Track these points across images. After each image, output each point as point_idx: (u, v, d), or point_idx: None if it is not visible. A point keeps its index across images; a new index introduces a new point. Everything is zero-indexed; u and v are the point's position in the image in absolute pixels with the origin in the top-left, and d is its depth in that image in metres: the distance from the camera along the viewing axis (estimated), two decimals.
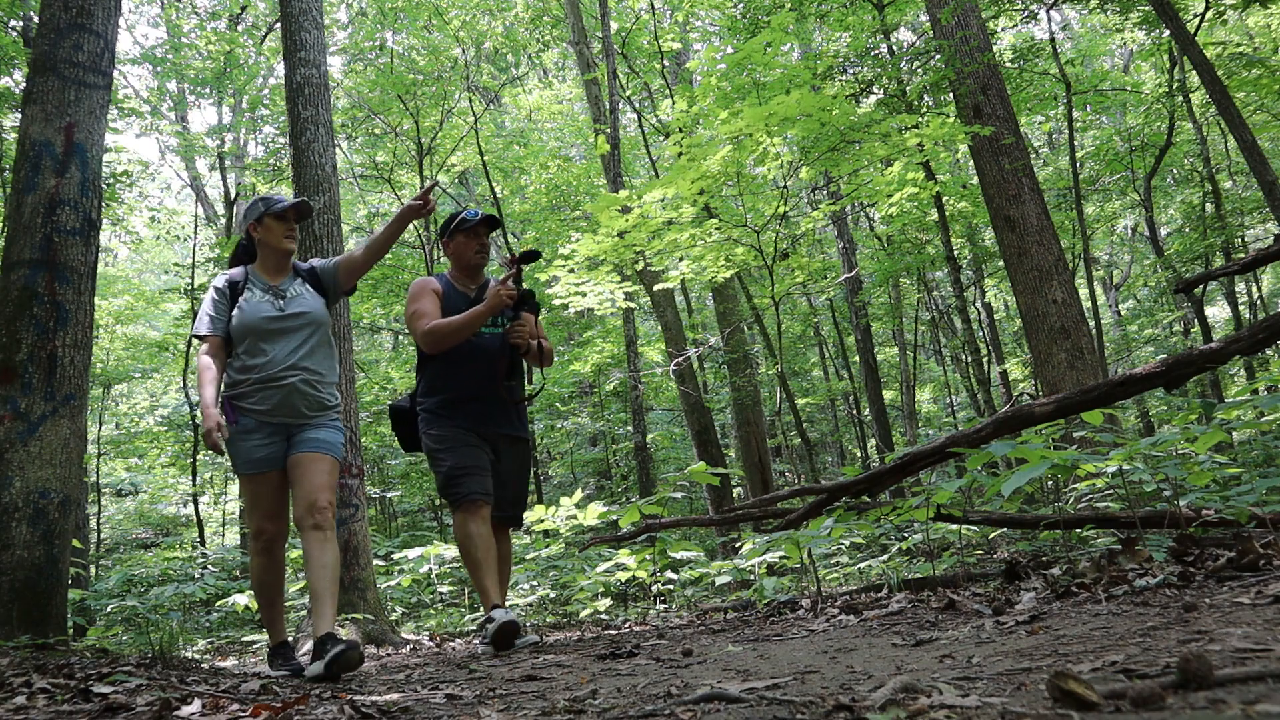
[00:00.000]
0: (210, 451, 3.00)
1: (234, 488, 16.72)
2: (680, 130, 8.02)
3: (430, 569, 6.92)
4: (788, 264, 8.25)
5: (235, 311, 3.37)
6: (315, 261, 3.63)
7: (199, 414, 4.54)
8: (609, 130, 9.65)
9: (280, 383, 3.33)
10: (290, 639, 3.71)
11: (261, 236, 3.46)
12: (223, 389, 3.39)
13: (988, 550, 5.88)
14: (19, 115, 4.07)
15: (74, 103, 3.69)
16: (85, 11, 3.81)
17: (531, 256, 3.89)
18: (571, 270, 8.26)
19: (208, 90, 14.24)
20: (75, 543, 3.76)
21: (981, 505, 5.76)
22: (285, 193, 15.25)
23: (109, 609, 8.27)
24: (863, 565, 5.49)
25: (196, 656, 5.08)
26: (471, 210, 3.99)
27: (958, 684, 1.29)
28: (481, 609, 3.75)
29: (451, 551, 6.94)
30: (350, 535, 5.08)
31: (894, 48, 11.07)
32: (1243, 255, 6.53)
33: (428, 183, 3.48)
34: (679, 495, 6.01)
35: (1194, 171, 13.38)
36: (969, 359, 12.71)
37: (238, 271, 3.48)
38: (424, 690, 2.21)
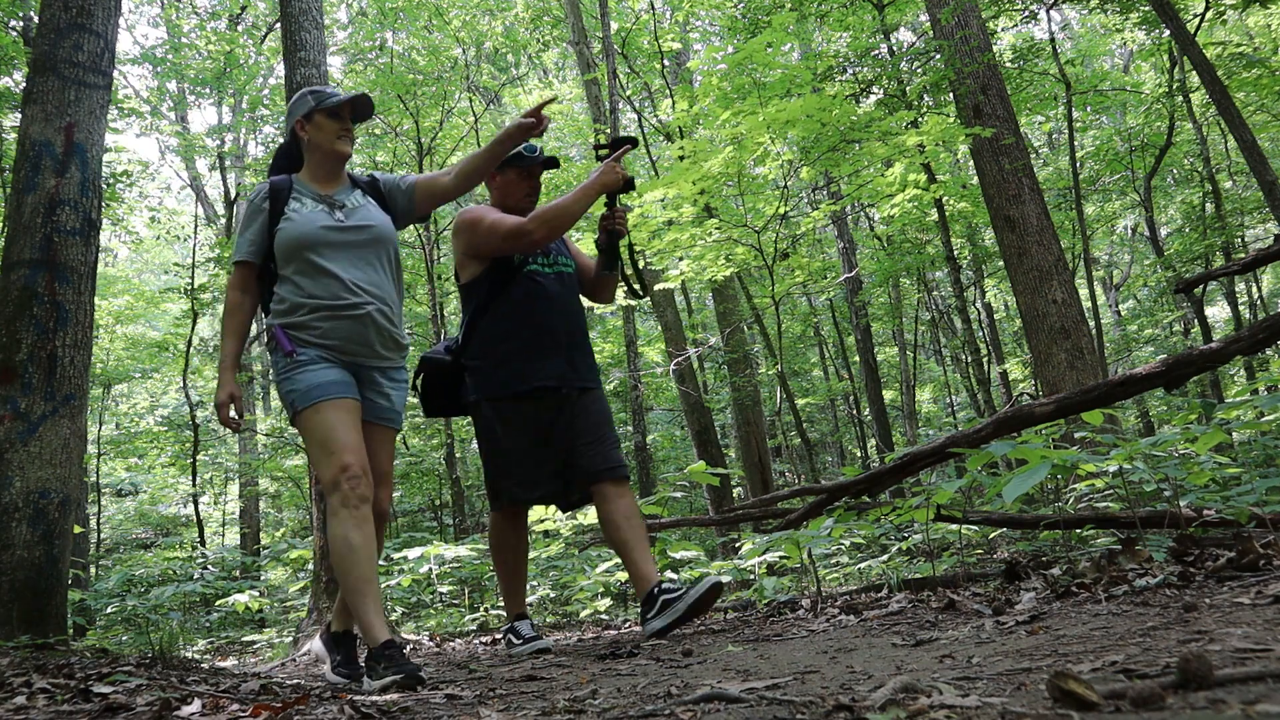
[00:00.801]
0: (225, 428, 2.56)
1: (234, 488, 16.72)
2: (680, 131, 8.02)
3: (430, 569, 6.92)
4: (788, 264, 8.25)
5: (283, 224, 2.74)
6: (377, 174, 3.07)
7: (201, 412, 4.38)
8: (609, 130, 9.65)
9: (352, 312, 2.71)
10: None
11: (310, 137, 2.88)
12: (271, 317, 2.78)
13: (988, 550, 5.88)
14: (19, 115, 4.07)
15: (74, 103, 3.69)
16: (85, 11, 3.81)
17: (629, 143, 3.46)
18: None
19: (208, 90, 14.25)
20: (77, 532, 3.75)
21: (981, 505, 5.75)
22: None
23: (109, 609, 8.27)
24: (863, 565, 5.49)
25: (196, 656, 5.08)
26: (531, 145, 3.51)
27: (958, 684, 1.29)
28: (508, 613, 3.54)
29: (452, 551, 6.94)
30: None
31: (894, 48, 11.07)
32: (1243, 255, 6.53)
33: (545, 95, 3.08)
34: (679, 495, 6.01)
35: (1194, 171, 13.38)
36: (969, 359, 12.71)
37: (280, 179, 2.87)
38: (424, 690, 2.21)
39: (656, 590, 3.17)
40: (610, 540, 3.36)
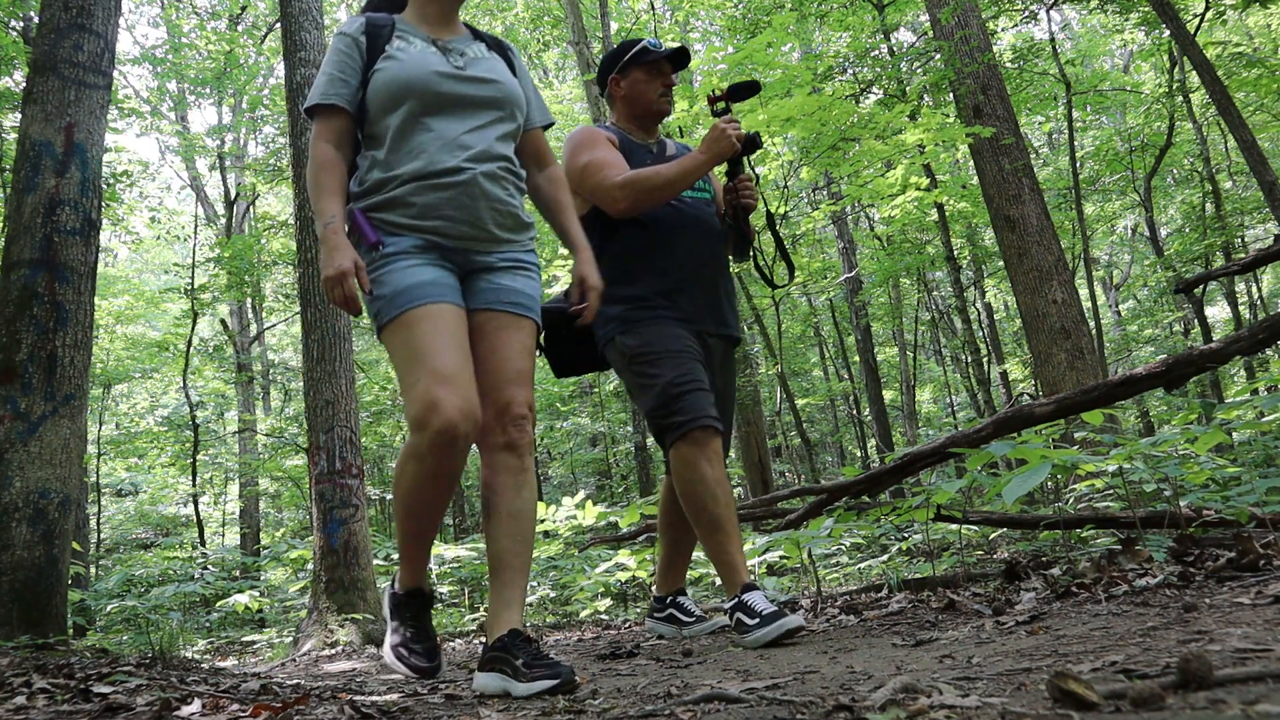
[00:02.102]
0: (342, 309, 1.93)
1: (234, 488, 16.73)
2: (681, 131, 8.02)
3: (430, 569, 6.91)
4: None
5: (382, 64, 2.12)
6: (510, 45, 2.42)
7: (201, 412, 4.27)
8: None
9: (454, 178, 2.08)
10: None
11: None
12: (351, 200, 2.17)
13: (988, 550, 5.88)
14: (19, 115, 4.08)
15: (74, 103, 3.69)
16: (85, 11, 3.81)
17: (751, 90, 2.96)
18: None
19: (208, 90, 14.26)
20: (75, 544, 3.75)
21: (981, 505, 5.75)
22: (286, 194, 15.30)
23: (109, 609, 8.27)
24: (863, 565, 5.49)
25: (196, 657, 5.08)
26: (654, 40, 2.99)
27: (958, 684, 1.29)
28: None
29: (452, 551, 6.94)
30: (351, 535, 5.07)
31: (894, 48, 11.07)
32: (1243, 255, 6.53)
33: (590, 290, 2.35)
34: None
35: (1194, 172, 13.38)
36: (969, 359, 12.71)
37: (379, 15, 2.25)
38: (424, 690, 2.21)
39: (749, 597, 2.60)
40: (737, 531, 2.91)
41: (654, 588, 3.21)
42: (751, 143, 2.82)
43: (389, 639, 2.36)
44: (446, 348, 1.99)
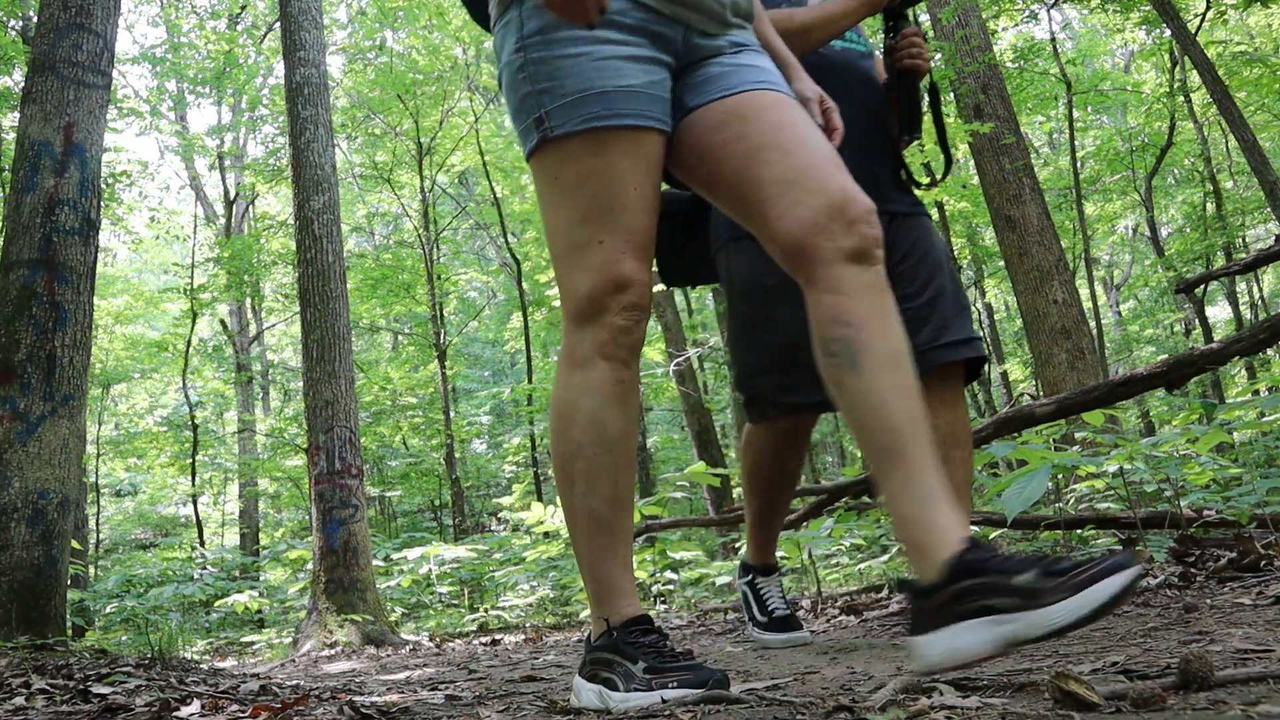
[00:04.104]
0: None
1: (233, 488, 16.74)
2: None
3: (430, 570, 6.92)
4: None
5: None
6: None
7: (200, 412, 4.25)
8: None
9: None
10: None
11: None
12: None
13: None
14: (18, 115, 4.07)
15: (73, 102, 3.68)
16: (84, 11, 3.81)
17: None
18: None
19: (207, 90, 14.26)
20: (74, 545, 3.75)
21: (982, 505, 5.75)
22: (286, 194, 15.29)
23: (108, 609, 8.27)
24: (863, 566, 5.49)
25: (196, 657, 5.08)
26: None
27: (958, 684, 1.28)
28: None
29: (451, 552, 6.94)
30: (350, 535, 5.07)
31: None
32: (1244, 255, 6.53)
33: None
34: (679, 496, 6.01)
35: (1195, 171, 13.38)
36: None
37: None
38: (424, 691, 2.21)
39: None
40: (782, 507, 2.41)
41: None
42: None
43: (619, 693, 1.39)
44: (648, 203, 1.41)
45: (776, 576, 2.48)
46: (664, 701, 1.33)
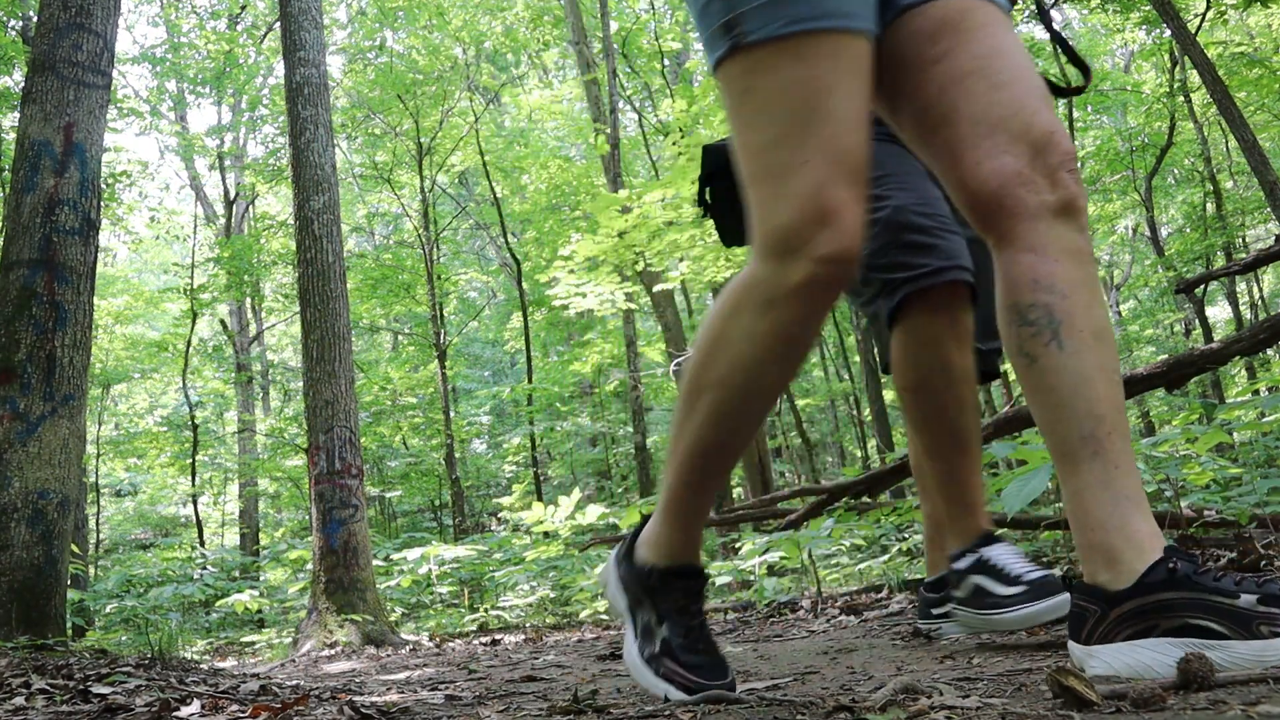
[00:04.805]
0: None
1: (233, 488, 16.75)
2: (680, 130, 8.02)
3: (430, 570, 6.92)
4: None
5: None
6: None
7: (200, 412, 4.25)
8: (609, 130, 9.65)
9: None
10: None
11: None
12: None
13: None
14: (18, 115, 4.07)
15: (73, 102, 3.68)
16: (84, 11, 3.81)
17: None
18: (572, 271, 8.27)
19: (207, 90, 14.27)
20: (74, 545, 3.74)
21: None
22: (286, 194, 15.29)
23: (108, 609, 8.27)
24: (863, 565, 5.49)
25: (196, 657, 5.08)
26: None
27: (958, 684, 1.28)
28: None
29: (451, 552, 6.94)
30: (350, 535, 5.07)
31: None
32: (1244, 255, 6.54)
33: None
34: None
35: (1195, 171, 13.38)
36: None
37: None
38: (424, 691, 2.21)
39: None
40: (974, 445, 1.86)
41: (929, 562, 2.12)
42: None
43: (635, 644, 1.42)
44: (860, 119, 1.19)
45: (1003, 542, 1.89)
46: (665, 700, 1.28)
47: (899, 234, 1.85)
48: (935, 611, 2.11)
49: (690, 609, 1.37)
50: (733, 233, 2.05)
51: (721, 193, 2.06)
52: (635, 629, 1.42)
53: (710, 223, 2.37)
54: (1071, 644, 1.24)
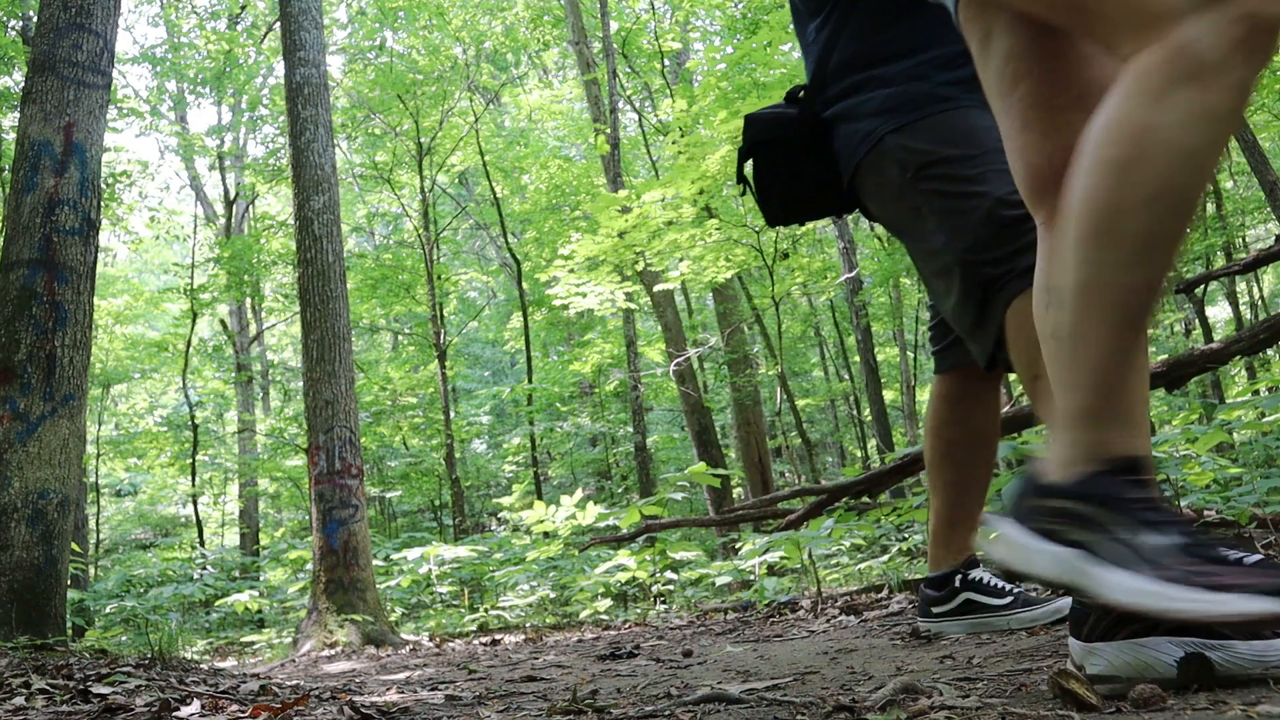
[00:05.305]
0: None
1: (233, 488, 16.75)
2: (680, 130, 8.03)
3: (430, 570, 6.92)
4: (788, 264, 8.25)
5: None
6: None
7: (200, 412, 4.26)
8: (609, 130, 9.65)
9: None
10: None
11: None
12: None
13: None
14: (18, 115, 4.07)
15: (73, 102, 3.68)
16: (84, 11, 3.81)
17: None
18: (572, 271, 8.27)
19: (207, 90, 14.28)
20: (74, 545, 3.74)
21: None
22: (286, 194, 15.30)
23: (108, 609, 8.27)
24: (863, 566, 5.49)
25: (196, 657, 5.08)
26: None
27: (958, 685, 1.28)
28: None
29: (451, 552, 6.94)
30: (350, 535, 5.07)
31: None
32: (1244, 255, 6.54)
33: None
34: (679, 496, 6.01)
35: None
36: None
37: None
38: (424, 691, 2.21)
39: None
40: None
41: (928, 564, 2.17)
42: None
43: (1129, 575, 0.99)
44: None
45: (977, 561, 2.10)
46: (1243, 617, 0.89)
47: (997, 225, 1.62)
48: (936, 610, 2.13)
49: (1166, 506, 1.07)
50: (776, 210, 1.93)
51: (766, 165, 1.90)
52: (1114, 562, 1.02)
53: (711, 222, 2.33)
54: (1072, 641, 1.22)
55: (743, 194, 2.00)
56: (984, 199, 1.63)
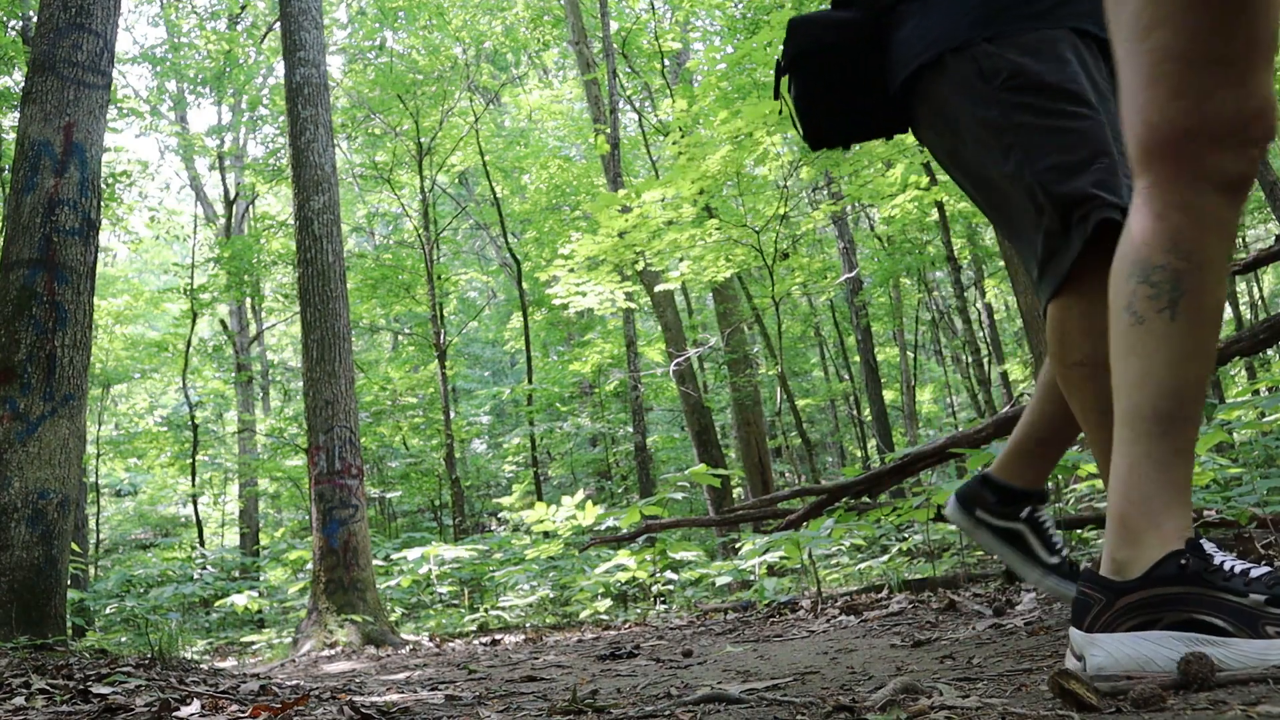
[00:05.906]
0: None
1: (233, 488, 16.76)
2: (680, 130, 8.03)
3: (430, 570, 6.92)
4: (788, 264, 8.25)
5: None
6: None
7: (200, 412, 4.26)
8: (609, 130, 9.65)
9: None
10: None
11: None
12: None
13: (988, 550, 5.87)
14: (18, 115, 4.07)
15: (73, 102, 3.68)
16: (84, 11, 3.81)
17: None
18: (572, 270, 8.27)
19: (207, 90, 14.28)
20: (74, 545, 3.74)
21: None
22: (286, 194, 15.30)
23: (108, 609, 8.27)
24: (863, 566, 5.49)
25: (196, 657, 5.08)
26: None
27: (958, 685, 1.28)
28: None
29: (451, 552, 6.94)
30: (350, 535, 5.08)
31: None
32: (1243, 256, 6.54)
33: None
34: (679, 496, 6.01)
35: None
36: (969, 359, 12.71)
37: None
38: (424, 691, 2.21)
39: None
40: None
41: (996, 468, 1.89)
42: None
43: (1247, 645, 1.09)
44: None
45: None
46: None
47: (1097, 154, 1.42)
48: (981, 515, 1.91)
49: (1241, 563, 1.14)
50: (822, 126, 1.73)
51: (817, 75, 1.67)
52: (1220, 630, 1.10)
53: (711, 222, 2.24)
54: (1073, 631, 1.22)
55: (781, 113, 1.81)
56: (1086, 126, 1.44)
